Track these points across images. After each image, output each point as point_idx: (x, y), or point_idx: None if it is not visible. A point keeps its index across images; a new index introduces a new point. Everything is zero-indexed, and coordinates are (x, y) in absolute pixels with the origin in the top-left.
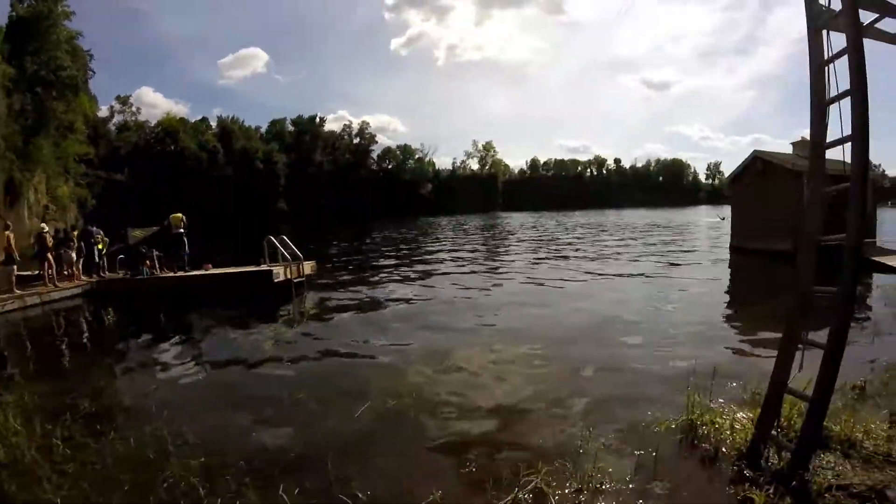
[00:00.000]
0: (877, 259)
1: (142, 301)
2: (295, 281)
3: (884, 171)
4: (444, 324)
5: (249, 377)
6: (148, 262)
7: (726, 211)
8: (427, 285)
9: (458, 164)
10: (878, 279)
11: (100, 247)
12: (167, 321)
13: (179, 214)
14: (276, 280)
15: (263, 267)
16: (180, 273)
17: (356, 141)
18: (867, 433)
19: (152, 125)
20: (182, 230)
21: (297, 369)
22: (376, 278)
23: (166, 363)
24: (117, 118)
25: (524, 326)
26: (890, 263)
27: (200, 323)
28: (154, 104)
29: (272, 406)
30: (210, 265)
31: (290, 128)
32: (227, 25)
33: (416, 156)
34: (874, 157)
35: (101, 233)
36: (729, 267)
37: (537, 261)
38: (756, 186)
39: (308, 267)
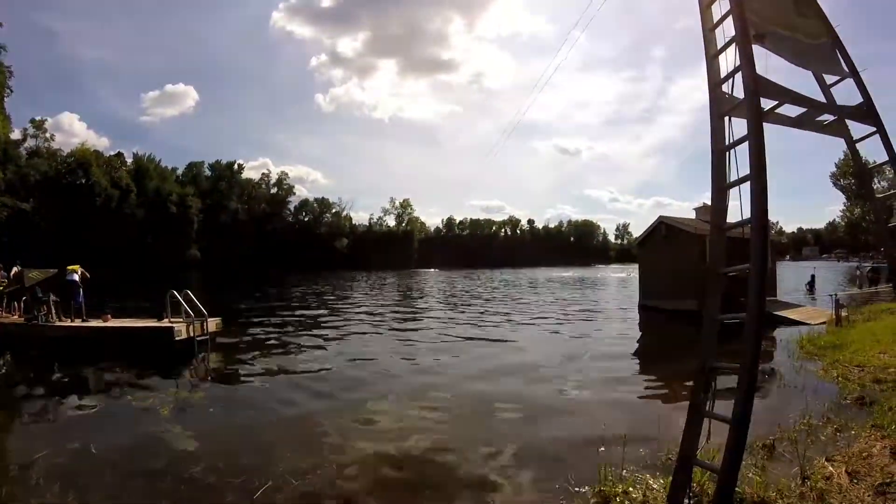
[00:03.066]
0: (779, 313)
1: (35, 348)
2: (198, 339)
3: (781, 227)
4: (356, 392)
5: (144, 445)
6: (44, 307)
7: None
8: (340, 348)
9: (375, 221)
10: (780, 332)
11: None
12: (61, 374)
13: (77, 266)
14: (177, 338)
15: (165, 323)
16: (77, 321)
17: (274, 191)
18: (780, 492)
19: (65, 154)
20: (76, 278)
21: (195, 438)
22: (286, 339)
23: (57, 425)
24: (30, 142)
25: (433, 388)
26: (791, 317)
27: (95, 379)
28: (76, 133)
29: (167, 480)
30: (109, 315)
31: (208, 172)
32: (153, 59)
33: (333, 210)
34: (772, 215)
35: None
36: (637, 325)
37: (452, 319)
38: (662, 249)
39: (213, 324)
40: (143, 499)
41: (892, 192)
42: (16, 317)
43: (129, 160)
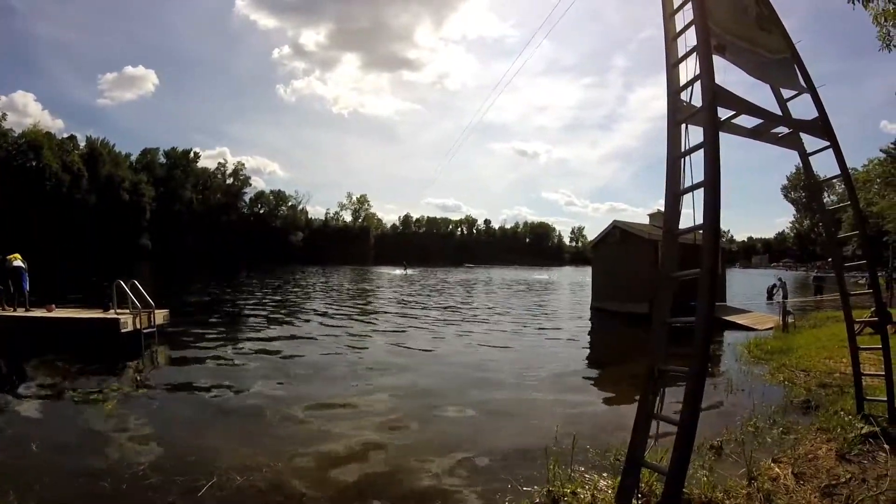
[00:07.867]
0: (727, 318)
1: None
2: (145, 331)
3: (732, 236)
4: (304, 387)
5: (87, 442)
6: None
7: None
8: (289, 344)
9: (332, 215)
10: (728, 336)
11: None
12: (1, 366)
13: (17, 255)
14: (123, 330)
15: (111, 314)
16: (20, 311)
17: (230, 181)
18: (727, 492)
19: (16, 135)
20: (21, 265)
21: (139, 435)
22: (234, 333)
23: None
24: None
25: (385, 388)
26: (739, 322)
27: (37, 372)
28: (30, 114)
29: (109, 479)
30: (54, 305)
31: (163, 159)
32: (112, 40)
33: (290, 203)
34: (723, 224)
35: None
36: (590, 327)
37: (401, 317)
38: (615, 252)
39: (160, 316)
40: (85, 499)
41: (841, 205)
42: None
43: (83, 144)
